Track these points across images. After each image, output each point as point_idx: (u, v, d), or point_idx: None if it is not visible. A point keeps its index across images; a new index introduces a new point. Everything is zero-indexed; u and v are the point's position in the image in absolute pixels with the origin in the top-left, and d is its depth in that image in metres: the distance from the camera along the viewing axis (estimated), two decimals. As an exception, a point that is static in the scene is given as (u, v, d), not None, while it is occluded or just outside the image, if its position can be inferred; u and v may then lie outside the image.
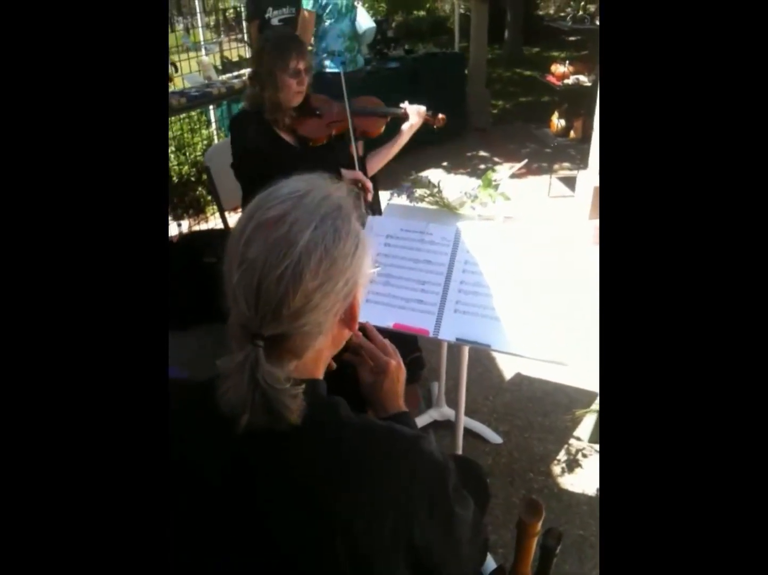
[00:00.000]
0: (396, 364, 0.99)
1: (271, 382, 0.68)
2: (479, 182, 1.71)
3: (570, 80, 4.35)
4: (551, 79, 4.60)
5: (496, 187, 1.69)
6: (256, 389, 0.68)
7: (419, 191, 1.67)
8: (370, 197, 2.09)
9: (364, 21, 4.22)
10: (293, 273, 0.68)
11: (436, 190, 1.64)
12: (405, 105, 2.27)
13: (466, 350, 1.81)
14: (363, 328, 1.03)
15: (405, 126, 2.27)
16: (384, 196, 2.40)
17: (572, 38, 9.92)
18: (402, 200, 1.72)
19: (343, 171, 2.07)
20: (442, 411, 2.36)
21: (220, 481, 0.73)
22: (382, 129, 2.30)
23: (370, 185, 2.08)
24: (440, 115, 2.32)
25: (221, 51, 4.59)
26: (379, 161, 2.33)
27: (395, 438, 0.77)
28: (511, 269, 1.57)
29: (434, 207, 1.69)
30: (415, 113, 2.23)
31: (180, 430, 0.75)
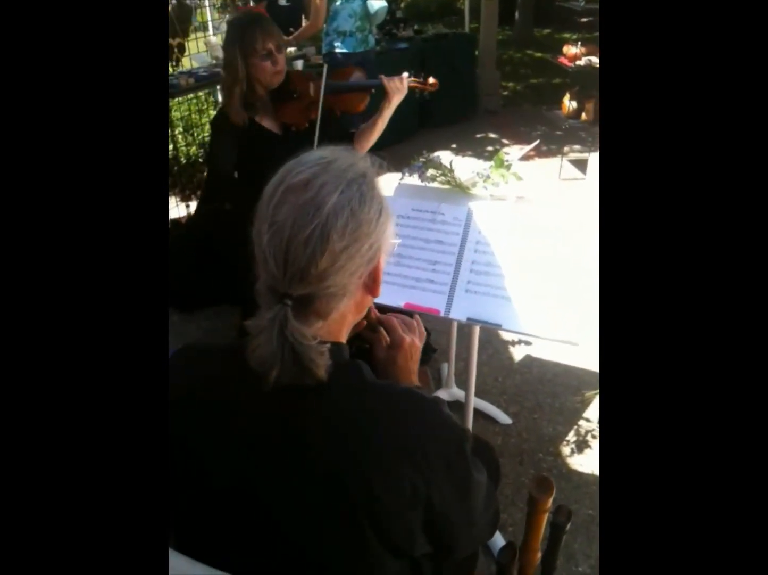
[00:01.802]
0: (411, 340, 1.01)
1: (300, 338, 0.71)
2: (491, 162, 1.70)
3: (582, 62, 4.29)
4: (563, 60, 4.55)
5: (508, 167, 1.68)
6: (285, 345, 0.71)
7: (431, 171, 1.66)
8: None
9: (376, 1, 4.17)
10: (321, 234, 0.71)
11: (448, 170, 1.63)
12: (382, 76, 2.09)
13: (476, 330, 1.81)
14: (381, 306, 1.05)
15: (385, 98, 2.08)
16: (393, 177, 2.38)
17: (584, 20, 9.78)
18: (413, 179, 1.71)
19: None
20: (451, 392, 2.37)
21: (247, 430, 0.76)
22: (365, 103, 2.17)
23: None
24: (431, 79, 2.13)
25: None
26: (366, 139, 2.19)
27: (415, 399, 0.79)
28: (523, 249, 1.56)
29: (446, 187, 1.68)
30: (395, 82, 2.03)
31: (205, 389, 0.80)
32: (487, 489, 0.85)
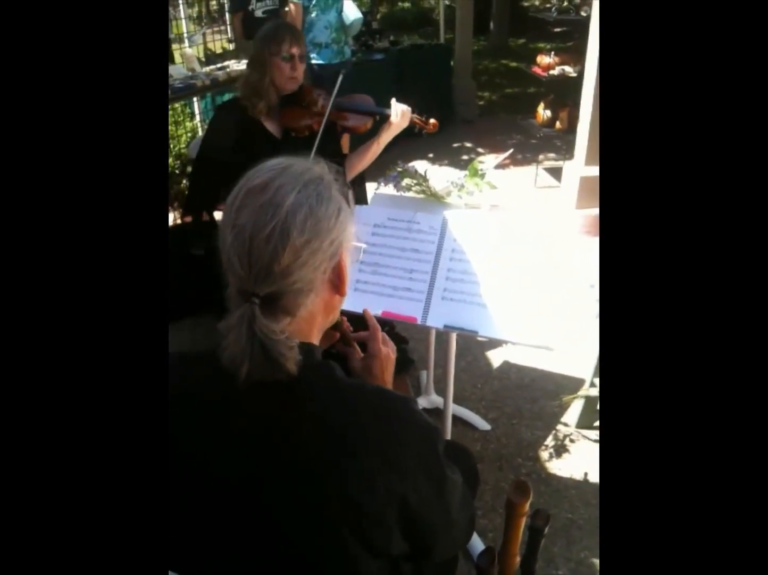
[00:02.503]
0: (386, 352, 1.03)
1: (268, 333, 0.73)
2: (466, 171, 1.72)
3: (555, 71, 4.36)
4: (537, 70, 4.62)
5: (483, 176, 1.70)
6: (254, 340, 0.73)
7: (406, 181, 1.68)
8: None
9: (351, 12, 4.21)
10: (281, 231, 0.74)
11: (423, 179, 1.65)
12: (393, 102, 2.15)
13: (453, 337, 1.83)
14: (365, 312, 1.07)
15: (386, 125, 2.15)
16: (371, 186, 2.41)
17: (558, 29, 9.95)
18: (389, 189, 1.73)
19: None
20: (431, 399, 2.38)
21: (220, 428, 0.78)
22: (368, 126, 2.25)
23: None
24: (432, 121, 2.17)
25: (204, 43, 4.56)
26: (358, 161, 2.27)
27: (386, 397, 0.81)
28: (498, 256, 1.59)
29: (421, 196, 1.70)
30: (399, 114, 2.09)
31: (183, 393, 0.81)
32: (462, 490, 0.86)
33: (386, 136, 2.18)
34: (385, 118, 2.17)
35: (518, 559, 1.22)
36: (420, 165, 1.85)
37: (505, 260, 1.58)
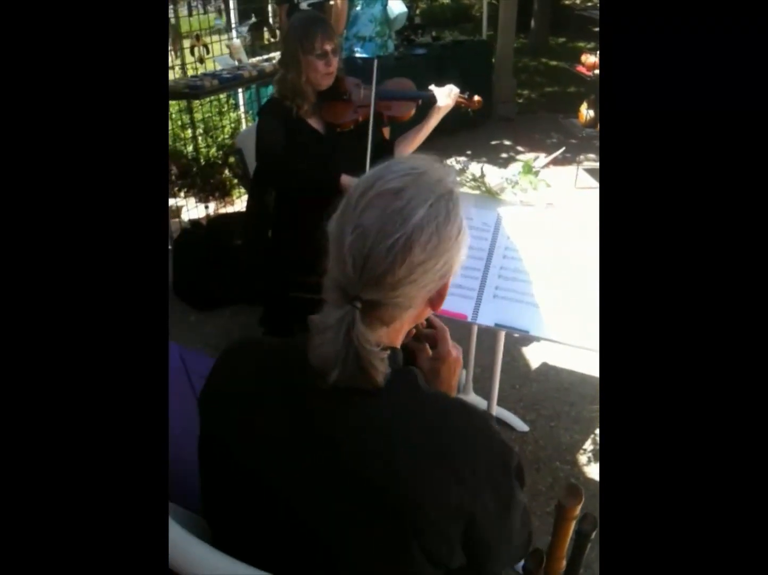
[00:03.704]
0: (455, 355, 1.00)
1: (364, 342, 0.72)
2: (519, 167, 1.71)
3: (601, 70, 4.29)
4: (582, 69, 4.55)
5: (536, 173, 1.69)
6: (349, 347, 0.71)
7: (461, 176, 1.67)
8: None
9: (396, 6, 4.20)
10: (404, 244, 0.72)
11: (479, 175, 1.64)
12: (433, 87, 2.15)
13: (502, 337, 1.82)
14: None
15: (434, 109, 2.14)
16: None
17: (597, 28, 9.79)
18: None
19: (344, 178, 2.00)
20: (469, 399, 2.37)
21: (289, 433, 0.77)
22: (412, 113, 2.22)
23: None
24: (476, 98, 2.18)
25: (252, 35, 4.59)
26: (407, 146, 2.24)
27: (469, 413, 0.79)
28: (552, 256, 1.57)
29: (476, 192, 1.69)
30: (445, 95, 2.09)
31: (258, 383, 0.81)
32: (524, 508, 0.85)
33: (435, 120, 2.15)
34: (428, 102, 2.13)
35: (564, 563, 1.21)
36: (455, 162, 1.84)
37: (559, 259, 1.56)
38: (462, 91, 2.16)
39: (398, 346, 0.83)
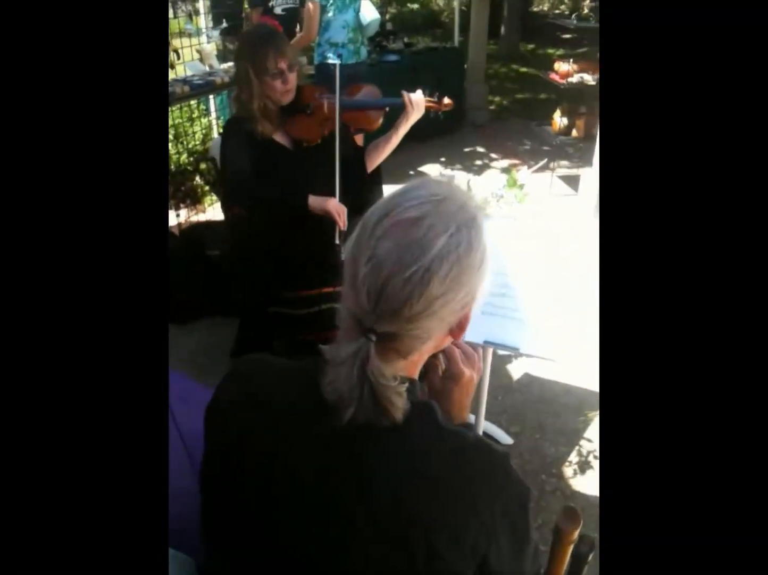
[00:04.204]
0: (470, 375, 0.95)
1: (379, 377, 0.68)
2: (504, 181, 1.68)
3: (574, 79, 4.32)
4: (554, 77, 4.57)
5: (521, 186, 1.66)
6: (365, 382, 0.68)
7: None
8: (342, 227, 1.93)
9: (369, 12, 4.16)
10: (422, 277, 0.68)
11: (465, 189, 1.61)
12: (404, 93, 2.05)
13: (489, 353, 1.78)
14: None
15: (404, 116, 2.04)
16: (387, 189, 2.33)
17: (568, 36, 9.93)
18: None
19: (311, 200, 1.93)
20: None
21: (309, 468, 0.73)
22: (380, 121, 2.13)
23: (341, 219, 1.93)
24: (446, 100, 2.09)
25: (223, 39, 4.50)
26: (378, 155, 2.15)
27: (488, 452, 0.76)
28: (539, 270, 1.54)
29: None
30: (413, 103, 2.00)
31: (275, 405, 0.77)
32: (536, 544, 0.83)
33: (404, 127, 2.06)
34: (397, 109, 2.04)
35: (562, 587, 1.18)
36: (432, 169, 1.79)
37: (547, 274, 1.53)
38: (431, 94, 2.08)
39: (416, 377, 0.80)
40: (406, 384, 0.71)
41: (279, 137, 2.03)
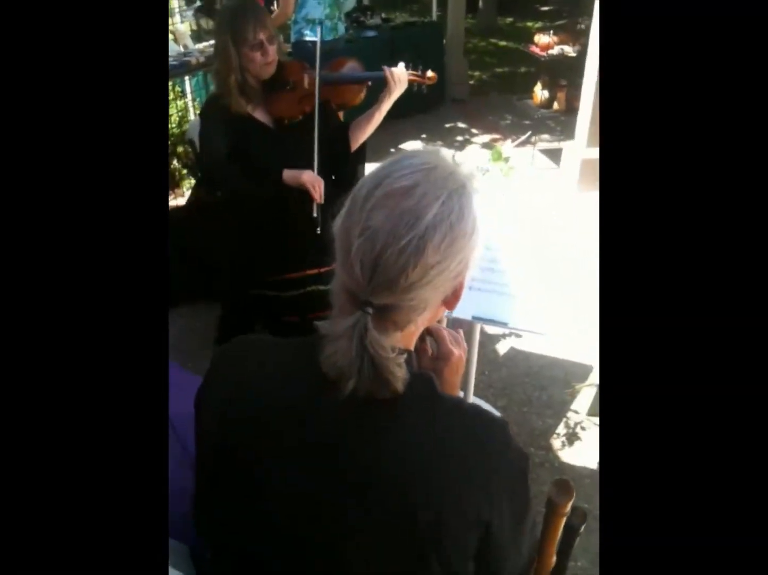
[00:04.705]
0: (458, 355, 0.97)
1: (379, 349, 0.68)
2: (489, 155, 1.66)
3: (555, 51, 4.29)
4: (535, 50, 4.54)
5: (507, 159, 1.65)
6: (364, 355, 0.68)
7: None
8: (318, 200, 1.90)
9: (345, -12, 4.08)
10: (417, 246, 0.67)
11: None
12: (385, 68, 1.99)
13: (477, 329, 1.78)
14: None
15: (386, 91, 1.99)
16: (369, 167, 2.29)
17: (546, 8, 9.85)
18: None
19: (286, 174, 1.89)
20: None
21: (313, 438, 0.73)
22: (362, 96, 2.08)
23: (317, 192, 1.89)
24: (430, 73, 2.04)
25: (197, 19, 4.40)
26: (360, 132, 2.10)
27: (486, 420, 0.76)
28: (526, 244, 1.54)
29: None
30: (395, 77, 1.94)
31: (270, 385, 0.77)
32: (533, 514, 0.84)
33: (388, 102, 2.01)
34: (380, 84, 1.99)
35: (554, 559, 1.19)
36: (413, 146, 1.77)
37: (534, 248, 1.53)
38: (414, 68, 2.03)
39: (412, 348, 0.80)
40: (405, 355, 0.71)
41: (259, 115, 1.98)
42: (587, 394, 2.33)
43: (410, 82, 2.01)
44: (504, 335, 2.75)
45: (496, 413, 2.32)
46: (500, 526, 0.74)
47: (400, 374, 0.69)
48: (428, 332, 0.97)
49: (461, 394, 2.06)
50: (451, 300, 0.77)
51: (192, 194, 3.46)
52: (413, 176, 0.70)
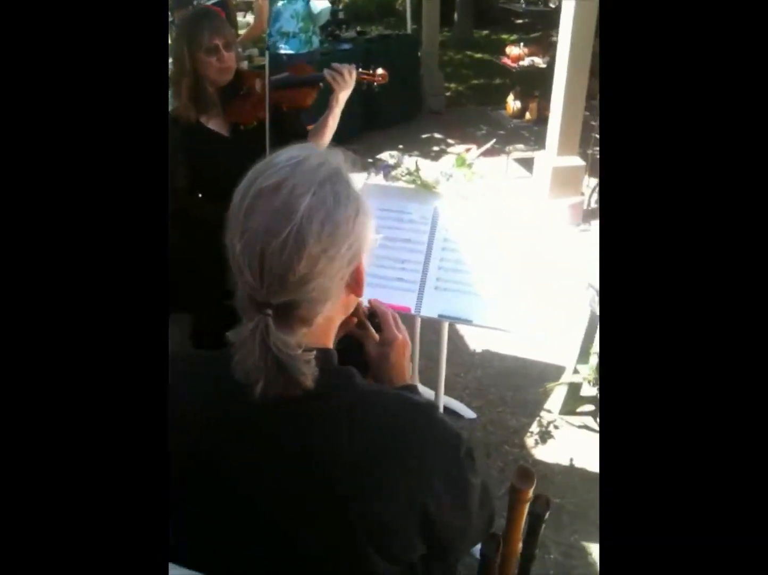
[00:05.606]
0: (403, 338, 1.00)
1: (283, 348, 0.68)
2: (453, 161, 1.72)
3: (525, 62, 4.39)
4: (506, 61, 4.64)
5: (470, 165, 1.71)
6: (268, 356, 0.68)
7: (396, 170, 1.67)
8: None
9: (319, 1, 4.16)
10: (296, 239, 0.68)
11: (414, 169, 1.65)
12: (326, 70, 1.97)
13: (446, 328, 1.83)
14: (371, 302, 1.05)
15: (333, 94, 1.96)
16: (357, 177, 2.31)
17: (521, 21, 10.03)
18: (378, 179, 1.71)
19: None
20: (416, 390, 2.38)
21: (234, 449, 0.74)
22: (311, 98, 2.05)
23: None
24: (380, 71, 2.01)
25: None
26: (319, 136, 2.07)
27: (409, 405, 0.78)
28: (490, 245, 1.59)
29: (411, 186, 1.69)
30: (339, 78, 1.90)
31: (190, 400, 0.77)
32: (482, 491, 0.85)
33: (337, 104, 1.97)
34: (327, 84, 1.96)
35: (521, 545, 1.23)
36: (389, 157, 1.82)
37: (498, 249, 1.59)
38: (362, 67, 2.00)
39: (330, 344, 0.81)
40: (314, 352, 0.71)
41: (215, 124, 1.99)
42: (560, 393, 2.39)
43: (360, 80, 2.00)
44: (476, 335, 2.80)
45: (472, 413, 2.37)
46: (439, 506, 0.75)
47: (307, 371, 0.70)
48: (375, 316, 1.01)
49: (432, 394, 2.11)
50: (354, 287, 0.78)
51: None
52: (281, 171, 0.71)
